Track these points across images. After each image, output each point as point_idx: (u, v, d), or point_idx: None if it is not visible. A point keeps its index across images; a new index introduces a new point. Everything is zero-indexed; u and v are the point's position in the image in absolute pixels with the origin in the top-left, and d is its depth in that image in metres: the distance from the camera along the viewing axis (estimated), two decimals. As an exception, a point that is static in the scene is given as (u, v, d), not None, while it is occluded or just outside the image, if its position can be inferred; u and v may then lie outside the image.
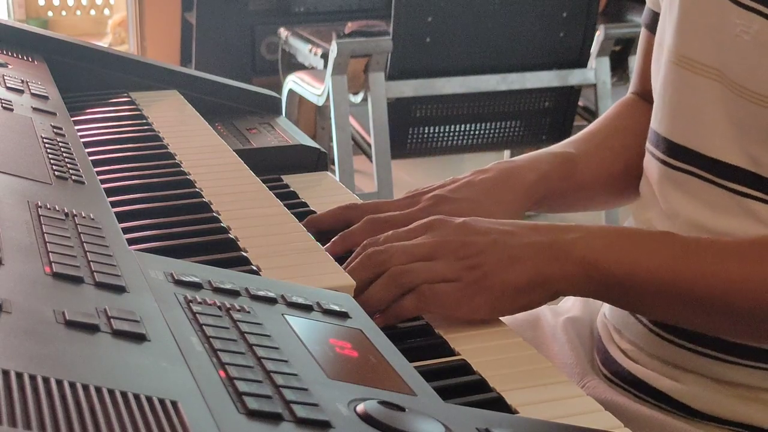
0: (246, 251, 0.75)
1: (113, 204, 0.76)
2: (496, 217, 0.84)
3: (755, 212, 0.79)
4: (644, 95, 1.05)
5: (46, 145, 0.80)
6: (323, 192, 0.89)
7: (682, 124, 0.85)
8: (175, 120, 1.08)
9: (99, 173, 0.84)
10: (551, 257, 0.75)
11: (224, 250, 0.75)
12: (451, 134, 2.69)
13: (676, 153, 0.86)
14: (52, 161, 0.76)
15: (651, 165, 0.90)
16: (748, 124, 0.79)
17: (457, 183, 0.93)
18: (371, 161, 2.69)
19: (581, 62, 2.70)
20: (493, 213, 0.87)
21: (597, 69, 2.75)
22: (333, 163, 2.64)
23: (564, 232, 0.77)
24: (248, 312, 0.58)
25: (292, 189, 0.98)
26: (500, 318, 0.75)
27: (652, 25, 0.97)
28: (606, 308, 0.95)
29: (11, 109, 0.87)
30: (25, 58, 1.10)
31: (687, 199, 0.84)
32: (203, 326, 0.54)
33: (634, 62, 1.10)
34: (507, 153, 3.09)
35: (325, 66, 2.69)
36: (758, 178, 0.79)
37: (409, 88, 2.60)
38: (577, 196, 1.01)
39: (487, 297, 0.73)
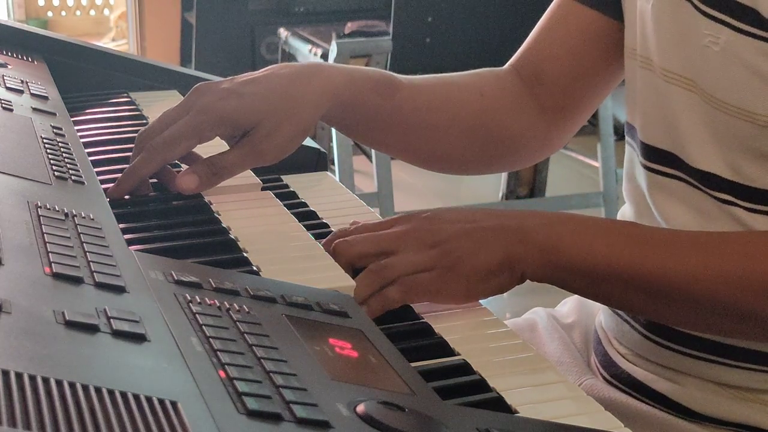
0: (246, 252, 0.75)
1: (113, 204, 0.76)
2: (286, 122, 0.81)
3: (740, 219, 0.79)
4: (528, 74, 0.98)
5: (46, 146, 0.80)
6: (323, 192, 0.89)
7: (662, 131, 0.85)
8: (175, 120, 1.08)
9: (99, 173, 0.84)
10: (517, 240, 0.76)
11: (224, 251, 0.75)
12: (452, 134, 2.69)
13: (661, 159, 0.85)
14: (52, 161, 0.76)
15: (639, 172, 0.89)
16: (724, 133, 0.78)
17: (252, 75, 0.85)
18: (371, 161, 2.68)
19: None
20: (286, 113, 0.82)
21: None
22: (333, 163, 2.64)
23: (528, 217, 0.78)
24: (248, 312, 0.58)
25: (292, 189, 0.98)
26: (501, 318, 0.75)
27: None
28: (601, 315, 0.95)
29: (11, 110, 0.87)
30: (25, 58, 1.10)
31: (675, 204, 0.84)
32: (203, 326, 0.54)
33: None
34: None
35: (325, 66, 2.69)
36: (739, 186, 0.79)
37: (408, 88, 2.60)
38: (389, 122, 0.93)
39: (462, 282, 0.74)
